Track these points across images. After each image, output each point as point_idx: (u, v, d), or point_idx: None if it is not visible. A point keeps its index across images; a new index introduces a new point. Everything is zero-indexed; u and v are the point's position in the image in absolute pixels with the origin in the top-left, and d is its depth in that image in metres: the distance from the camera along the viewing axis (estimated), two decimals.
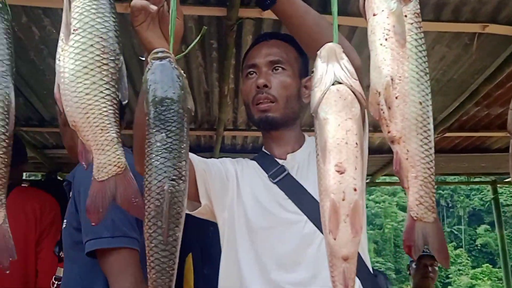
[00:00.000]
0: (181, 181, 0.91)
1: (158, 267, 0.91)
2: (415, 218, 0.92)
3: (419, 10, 0.96)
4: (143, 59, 1.42)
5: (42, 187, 2.94)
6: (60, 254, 1.98)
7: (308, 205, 1.42)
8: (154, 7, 1.09)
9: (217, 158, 1.58)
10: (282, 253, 1.42)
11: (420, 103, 0.92)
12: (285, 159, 1.54)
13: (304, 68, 1.58)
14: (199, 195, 1.44)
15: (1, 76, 0.97)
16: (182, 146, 0.92)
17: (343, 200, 0.89)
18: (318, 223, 1.38)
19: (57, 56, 0.98)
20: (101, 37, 0.95)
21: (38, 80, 2.82)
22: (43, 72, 2.73)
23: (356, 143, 0.91)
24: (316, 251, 1.39)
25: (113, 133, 0.96)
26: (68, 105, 0.95)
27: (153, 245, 0.91)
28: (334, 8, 1.01)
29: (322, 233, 1.41)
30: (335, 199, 0.89)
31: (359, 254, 1.41)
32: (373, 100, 0.94)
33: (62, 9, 2.12)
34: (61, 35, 0.98)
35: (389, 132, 0.93)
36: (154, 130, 0.93)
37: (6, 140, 0.97)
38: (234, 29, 2.12)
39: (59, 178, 4.45)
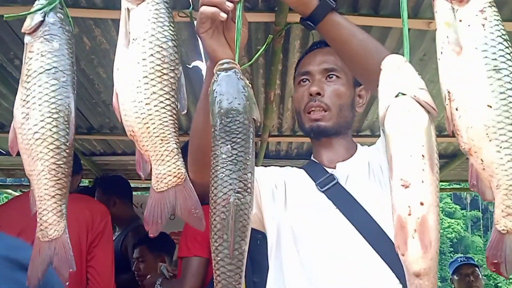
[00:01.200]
0: (247, 194, 0.89)
1: (224, 281, 0.90)
2: (503, 231, 0.86)
3: (481, 7, 0.91)
4: (190, 67, 1.41)
5: (89, 193, 3.01)
6: None
7: (358, 216, 1.36)
8: (224, 15, 1.07)
9: (261, 165, 1.55)
10: (328, 265, 1.36)
11: (490, 106, 0.87)
12: (334, 168, 1.48)
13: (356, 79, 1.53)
14: None
15: (62, 87, 0.98)
16: (248, 158, 0.90)
17: (409, 215, 0.85)
18: (366, 235, 1.33)
19: (116, 65, 0.97)
20: (161, 47, 0.94)
21: (88, 89, 2.88)
22: (92, 81, 2.79)
23: (423, 155, 0.88)
24: (361, 264, 1.33)
25: (173, 143, 0.95)
26: (127, 115, 0.93)
27: (219, 258, 0.90)
28: (404, 14, 0.98)
29: (371, 244, 1.38)
30: (401, 214, 0.86)
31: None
32: (446, 115, 0.90)
33: (112, 20, 2.17)
34: (119, 44, 0.97)
35: (460, 146, 0.88)
36: (220, 142, 0.92)
37: (67, 150, 0.98)
38: (282, 34, 2.09)
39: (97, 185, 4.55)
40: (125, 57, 0.95)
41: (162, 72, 0.93)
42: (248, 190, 0.90)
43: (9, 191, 5.77)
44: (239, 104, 0.92)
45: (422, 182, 0.86)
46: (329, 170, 1.48)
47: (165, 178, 0.95)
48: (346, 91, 1.49)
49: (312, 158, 1.57)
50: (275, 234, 1.45)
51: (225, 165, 0.90)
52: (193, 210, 0.95)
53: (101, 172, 4.45)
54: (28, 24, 0.99)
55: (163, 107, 0.93)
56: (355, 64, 1.27)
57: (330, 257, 1.36)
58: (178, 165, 0.95)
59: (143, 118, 0.93)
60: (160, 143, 0.93)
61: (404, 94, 0.92)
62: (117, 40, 1.00)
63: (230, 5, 1.06)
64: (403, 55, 1.02)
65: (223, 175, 0.90)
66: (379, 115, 0.94)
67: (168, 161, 0.94)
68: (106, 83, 2.80)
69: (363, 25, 2.11)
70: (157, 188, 0.96)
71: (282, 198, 1.47)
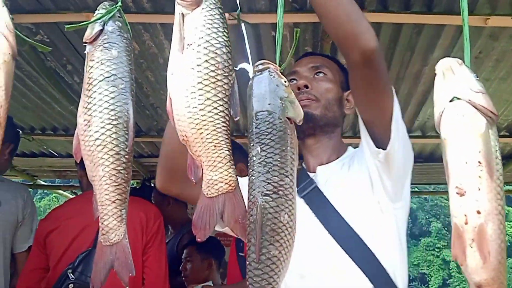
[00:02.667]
0: (277, 196, 0.87)
1: (251, 286, 0.89)
2: None
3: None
4: (237, 69, 1.41)
5: (138, 194, 3.07)
6: None
7: (332, 222, 1.34)
8: None
9: None
10: (301, 271, 1.33)
11: None
12: (314, 171, 1.46)
13: (346, 82, 1.50)
14: None
15: (121, 93, 0.99)
16: (278, 159, 0.88)
17: (466, 224, 0.83)
18: (340, 240, 1.31)
19: (170, 70, 0.97)
20: (215, 53, 0.94)
21: (137, 92, 2.93)
22: (141, 85, 2.84)
23: (479, 162, 0.84)
24: (334, 270, 1.32)
25: (226, 150, 0.94)
26: (180, 120, 0.93)
27: (248, 262, 0.89)
28: (465, 13, 0.94)
29: (344, 250, 1.32)
30: (457, 222, 0.84)
31: (386, 274, 1.30)
32: None
33: (160, 24, 2.20)
34: (173, 49, 0.97)
35: None
36: (251, 145, 0.91)
37: (126, 156, 0.99)
38: None
39: (153, 185, 4.63)
40: (179, 62, 0.95)
41: (216, 78, 0.93)
42: (280, 192, 0.87)
43: (60, 191, 5.98)
44: (269, 104, 0.91)
45: (479, 189, 0.84)
46: (311, 175, 1.46)
47: (216, 184, 0.95)
48: (334, 87, 1.50)
49: (302, 166, 1.54)
50: None
51: (255, 167, 0.89)
52: (240, 219, 0.95)
53: (149, 174, 4.53)
54: (89, 33, 1.01)
55: (217, 113, 0.93)
56: (336, 27, 1.21)
57: (303, 264, 1.32)
58: (230, 172, 0.95)
59: (196, 124, 0.93)
60: (213, 149, 0.93)
61: (459, 99, 0.89)
62: (166, 44, 1.00)
63: None
64: (459, 54, 0.98)
65: (253, 177, 0.89)
66: (435, 120, 0.92)
67: (220, 167, 0.94)
68: (154, 86, 2.84)
69: (416, 23, 2.06)
70: (207, 194, 0.96)
71: None
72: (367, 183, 1.35)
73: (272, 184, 0.87)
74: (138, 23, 2.21)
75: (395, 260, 1.34)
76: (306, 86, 1.47)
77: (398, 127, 1.28)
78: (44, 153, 4.15)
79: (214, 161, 0.94)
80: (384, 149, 1.28)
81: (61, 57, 2.50)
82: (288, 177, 0.89)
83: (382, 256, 1.31)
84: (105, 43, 1.00)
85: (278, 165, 0.88)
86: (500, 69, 2.49)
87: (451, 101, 0.90)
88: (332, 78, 1.51)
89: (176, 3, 0.97)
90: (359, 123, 1.35)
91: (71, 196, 5.58)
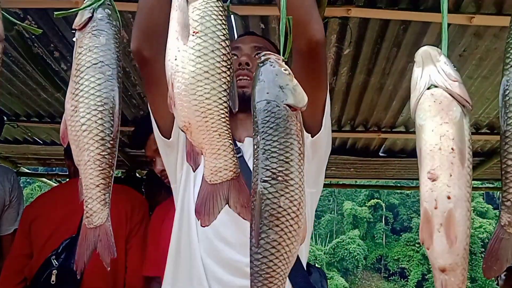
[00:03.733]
0: (276, 182, 0.88)
1: (252, 270, 0.90)
2: None
3: None
4: None
5: (123, 183, 3.06)
6: None
7: None
8: None
9: None
10: (216, 228, 1.37)
11: None
12: (243, 142, 1.52)
13: None
14: (172, 132, 1.45)
15: (108, 80, 1.00)
16: (276, 145, 0.90)
17: (436, 208, 0.85)
18: None
19: (171, 55, 0.96)
20: (220, 44, 0.95)
21: (124, 81, 2.93)
22: (128, 74, 2.83)
23: (452, 149, 0.86)
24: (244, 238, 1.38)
25: (229, 139, 0.97)
26: (185, 107, 0.94)
27: (249, 247, 0.91)
28: (444, 6, 0.96)
29: None
30: (427, 207, 0.86)
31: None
32: None
33: None
34: (175, 34, 0.96)
35: None
36: (254, 134, 0.92)
37: (111, 142, 1.00)
38: None
39: (137, 175, 4.63)
40: (184, 48, 0.95)
41: (221, 69, 0.94)
42: (279, 178, 0.88)
43: (44, 179, 5.93)
44: (267, 93, 0.92)
45: (450, 176, 0.85)
46: (239, 144, 1.51)
47: (220, 171, 0.97)
48: None
49: None
50: (181, 191, 1.49)
51: (256, 155, 0.90)
52: (246, 204, 0.98)
53: (134, 164, 4.52)
54: (78, 20, 1.02)
55: (221, 103, 0.95)
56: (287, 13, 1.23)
57: (221, 231, 1.38)
58: (234, 160, 0.98)
59: (202, 112, 0.94)
60: (218, 138, 0.95)
61: (436, 86, 0.91)
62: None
63: None
64: (444, 51, 1.00)
65: (255, 166, 0.90)
66: (411, 106, 0.93)
67: (225, 155, 0.97)
68: (141, 75, 2.83)
69: (402, 19, 2.09)
70: (210, 180, 0.98)
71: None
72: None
73: (271, 170, 0.89)
74: (128, 11, 2.20)
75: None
76: (247, 64, 1.53)
77: (327, 119, 1.38)
78: (28, 140, 4.11)
79: (219, 149, 0.96)
80: (312, 136, 1.37)
81: (49, 43, 2.48)
82: (289, 163, 0.90)
83: None
84: (94, 30, 1.01)
85: (277, 151, 0.89)
86: (483, 68, 2.53)
87: (428, 88, 0.91)
88: None
89: None
90: None
91: (55, 184, 5.55)
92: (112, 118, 1.01)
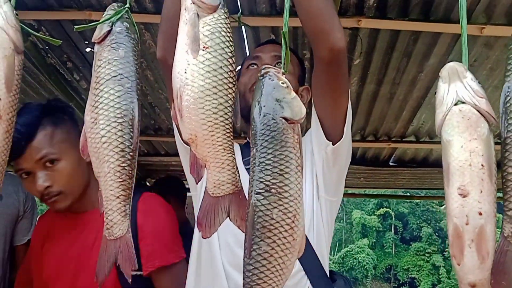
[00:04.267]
0: (269, 194, 0.89)
1: (244, 281, 0.90)
2: None
3: None
4: (236, 71, 1.44)
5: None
6: None
7: None
8: None
9: None
10: (236, 234, 1.35)
11: None
12: None
13: (302, 77, 1.59)
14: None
15: (127, 92, 1.02)
16: (270, 158, 0.90)
17: (467, 224, 0.85)
18: None
19: (181, 68, 0.97)
20: (228, 61, 0.97)
21: None
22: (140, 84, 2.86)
23: (482, 165, 0.87)
24: None
25: (232, 153, 0.98)
26: (192, 120, 0.95)
27: (242, 259, 0.92)
28: (464, 22, 0.97)
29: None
30: (458, 223, 0.86)
31: (314, 254, 1.38)
32: None
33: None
34: (184, 47, 0.98)
35: None
36: (251, 148, 0.94)
37: (131, 153, 1.02)
38: None
39: (147, 184, 4.65)
40: (193, 62, 0.96)
41: (228, 86, 0.96)
42: (272, 190, 0.89)
43: None
44: (264, 106, 0.93)
45: (481, 192, 0.86)
46: None
47: (223, 185, 0.98)
48: (292, 79, 1.51)
49: (247, 139, 1.59)
50: (198, 200, 1.47)
51: (253, 167, 0.91)
52: (246, 218, 0.98)
53: (144, 172, 4.54)
54: (97, 34, 1.04)
55: (227, 118, 0.96)
56: (308, 21, 1.26)
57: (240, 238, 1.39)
58: (237, 175, 0.99)
59: (209, 126, 0.95)
60: (223, 152, 0.97)
61: (463, 102, 0.92)
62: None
63: None
64: (458, 62, 1.01)
65: (250, 178, 0.91)
66: (436, 122, 0.94)
67: (228, 170, 0.98)
68: (153, 85, 2.86)
69: (413, 30, 2.10)
70: (213, 193, 0.99)
71: None
72: (309, 169, 1.43)
73: (264, 182, 0.89)
74: (140, 22, 2.23)
75: (323, 247, 1.43)
76: None
77: (348, 127, 1.38)
78: None
79: (223, 163, 0.98)
80: (333, 144, 1.37)
81: (62, 54, 2.51)
82: (284, 175, 0.90)
83: (314, 241, 1.40)
84: (113, 43, 1.03)
85: (271, 164, 0.90)
86: (494, 78, 2.53)
87: (455, 104, 0.92)
88: (292, 71, 1.54)
89: (190, 2, 0.98)
90: (312, 114, 1.41)
91: None
92: (131, 130, 1.02)
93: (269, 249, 0.88)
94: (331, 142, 1.38)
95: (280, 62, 1.51)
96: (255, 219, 0.88)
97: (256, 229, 0.88)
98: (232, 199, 1.00)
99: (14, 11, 1.05)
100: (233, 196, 1.00)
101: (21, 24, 1.06)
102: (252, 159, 0.92)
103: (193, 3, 0.98)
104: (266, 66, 1.01)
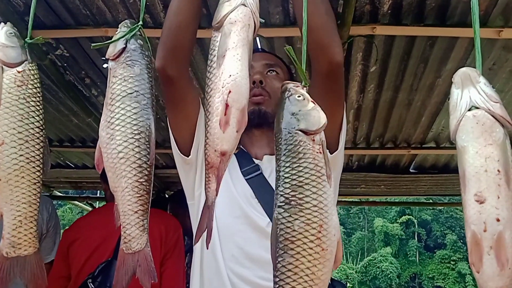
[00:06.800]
0: (289, 206, 0.90)
1: None
2: None
3: None
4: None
5: (154, 206, 3.09)
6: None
7: None
8: None
9: None
10: (241, 247, 1.39)
11: None
12: (261, 159, 1.52)
13: None
14: (191, 150, 1.46)
15: (143, 109, 1.03)
16: (289, 171, 0.92)
17: (485, 231, 0.84)
18: None
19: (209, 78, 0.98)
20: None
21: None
22: (157, 98, 2.88)
23: (498, 170, 0.86)
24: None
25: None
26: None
27: (272, 271, 0.92)
28: (476, 26, 0.96)
29: None
30: (475, 230, 0.85)
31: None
32: None
33: None
34: (214, 60, 0.98)
35: None
36: (276, 163, 0.96)
37: (148, 169, 1.03)
38: (345, 47, 2.09)
39: (166, 196, 4.68)
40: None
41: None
42: (292, 203, 0.90)
43: (76, 202, 6.05)
44: (281, 121, 0.96)
45: (498, 198, 0.84)
46: (256, 161, 1.51)
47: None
48: None
49: (241, 147, 1.59)
50: (199, 204, 1.49)
51: (276, 183, 0.93)
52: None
53: (163, 184, 4.57)
54: (112, 51, 1.05)
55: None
56: (309, 35, 1.22)
57: (244, 241, 1.39)
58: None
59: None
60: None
61: (477, 108, 0.91)
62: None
63: None
64: (472, 66, 1.00)
65: (275, 193, 0.92)
66: (451, 128, 0.93)
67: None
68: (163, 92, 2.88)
69: (429, 35, 2.08)
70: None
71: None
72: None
73: (284, 196, 0.91)
74: (155, 37, 2.26)
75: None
76: (261, 82, 1.54)
77: (343, 138, 1.41)
78: (60, 164, 4.21)
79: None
80: (330, 153, 1.36)
81: (80, 70, 2.56)
82: (304, 187, 0.91)
83: None
84: (128, 61, 1.05)
85: (289, 177, 0.91)
86: None
87: (469, 110, 0.91)
88: (283, 78, 1.57)
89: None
90: None
91: (86, 207, 5.65)
92: (148, 145, 1.04)
93: (293, 261, 0.89)
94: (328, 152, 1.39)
95: (271, 70, 1.58)
96: (278, 232, 0.90)
97: (279, 241, 0.90)
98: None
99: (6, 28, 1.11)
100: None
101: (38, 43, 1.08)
102: (276, 174, 0.95)
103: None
104: (286, 82, 1.03)
